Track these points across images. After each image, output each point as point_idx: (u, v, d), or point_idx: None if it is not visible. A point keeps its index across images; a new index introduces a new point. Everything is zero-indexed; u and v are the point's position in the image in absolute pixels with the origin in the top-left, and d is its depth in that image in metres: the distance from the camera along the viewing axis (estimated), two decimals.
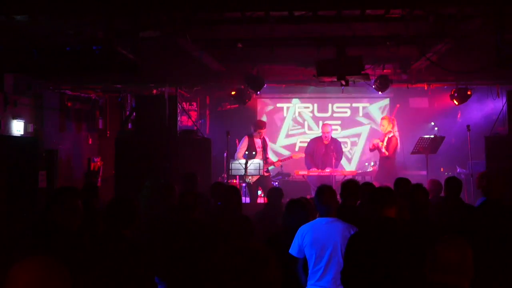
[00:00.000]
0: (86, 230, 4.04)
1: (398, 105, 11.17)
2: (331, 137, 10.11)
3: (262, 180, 9.53)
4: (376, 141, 9.87)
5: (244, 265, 1.78)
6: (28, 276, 1.88)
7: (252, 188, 9.55)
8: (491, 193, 4.68)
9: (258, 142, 9.76)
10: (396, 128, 9.90)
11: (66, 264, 1.95)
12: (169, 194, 5.76)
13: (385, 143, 9.69)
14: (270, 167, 10.15)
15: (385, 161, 9.75)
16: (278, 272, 1.82)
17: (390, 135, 9.74)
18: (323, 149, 9.99)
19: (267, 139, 9.90)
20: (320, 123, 11.66)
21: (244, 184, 9.68)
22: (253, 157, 9.56)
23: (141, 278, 3.50)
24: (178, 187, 6.04)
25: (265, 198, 8.67)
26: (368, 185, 5.78)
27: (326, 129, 10.06)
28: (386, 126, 9.84)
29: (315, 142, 10.24)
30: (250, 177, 9.37)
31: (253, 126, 9.83)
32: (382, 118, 10.17)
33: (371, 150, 10.15)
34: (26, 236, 4.00)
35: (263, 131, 9.74)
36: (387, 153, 9.64)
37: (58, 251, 3.37)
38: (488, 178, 4.76)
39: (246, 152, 9.68)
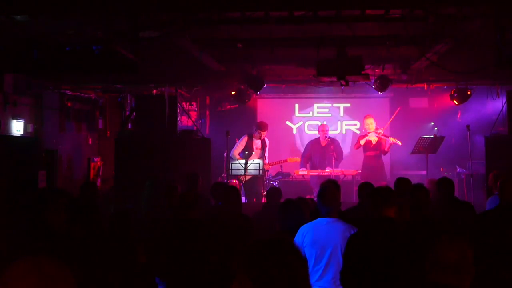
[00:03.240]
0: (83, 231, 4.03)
1: (399, 108, 10.97)
2: (329, 137, 10.13)
3: (255, 180, 9.50)
4: (373, 138, 9.75)
5: (273, 256, 1.81)
6: (29, 276, 1.85)
7: (246, 188, 9.56)
8: (506, 197, 4.65)
9: (257, 143, 9.77)
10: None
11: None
12: (171, 194, 5.78)
13: (395, 139, 9.69)
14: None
15: (378, 159, 9.74)
16: (303, 261, 1.87)
17: (381, 131, 9.75)
18: (321, 151, 10.03)
19: (267, 141, 9.91)
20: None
21: (242, 184, 9.70)
22: (248, 157, 9.56)
23: (136, 276, 3.50)
24: (180, 187, 6.06)
25: (263, 198, 8.68)
26: (368, 185, 5.77)
27: (323, 128, 10.15)
28: (374, 124, 9.81)
29: (312, 145, 10.28)
30: (242, 177, 9.39)
31: (254, 127, 9.87)
32: (367, 117, 9.92)
33: (359, 147, 9.95)
34: (25, 236, 3.99)
35: (264, 132, 9.76)
36: (400, 143, 9.66)
37: (51, 253, 3.36)
38: (502, 182, 4.72)
39: (246, 152, 9.69)
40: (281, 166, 10.50)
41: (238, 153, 9.71)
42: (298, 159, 10.25)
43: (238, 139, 10.05)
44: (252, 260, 1.84)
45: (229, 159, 9.56)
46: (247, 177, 9.44)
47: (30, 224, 4.06)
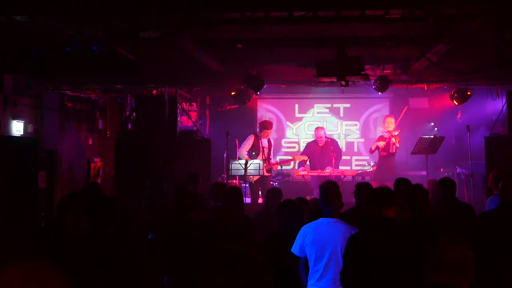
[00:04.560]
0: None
1: (406, 107, 11.16)
2: (328, 138, 10.17)
3: (263, 180, 9.56)
4: (380, 143, 9.90)
5: (232, 266, 1.81)
6: (20, 280, 1.83)
7: (253, 188, 9.60)
8: (507, 197, 4.65)
9: (264, 142, 9.82)
10: None
11: (71, 269, 1.90)
12: (182, 194, 5.72)
13: (396, 140, 9.82)
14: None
15: (388, 159, 9.83)
16: (264, 272, 1.85)
17: (396, 133, 9.87)
18: (319, 152, 10.07)
19: (272, 141, 9.99)
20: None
21: (244, 184, 9.71)
22: (255, 157, 9.58)
23: (136, 276, 3.50)
24: (191, 187, 6.04)
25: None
26: (366, 185, 5.77)
27: (319, 134, 10.19)
28: (393, 124, 10.02)
29: (311, 145, 10.33)
30: (251, 177, 9.41)
31: (259, 127, 9.92)
32: (388, 117, 10.26)
33: (373, 151, 10.18)
34: (26, 237, 4.00)
35: (270, 131, 9.82)
36: (398, 145, 9.81)
37: (64, 256, 3.36)
38: (504, 183, 4.72)
39: (253, 153, 9.70)
40: (281, 167, 10.51)
41: (246, 152, 9.74)
42: (305, 157, 10.28)
43: (238, 140, 10.06)
44: (214, 267, 1.85)
45: (230, 160, 9.54)
46: (255, 178, 9.46)
47: (51, 229, 4.06)
